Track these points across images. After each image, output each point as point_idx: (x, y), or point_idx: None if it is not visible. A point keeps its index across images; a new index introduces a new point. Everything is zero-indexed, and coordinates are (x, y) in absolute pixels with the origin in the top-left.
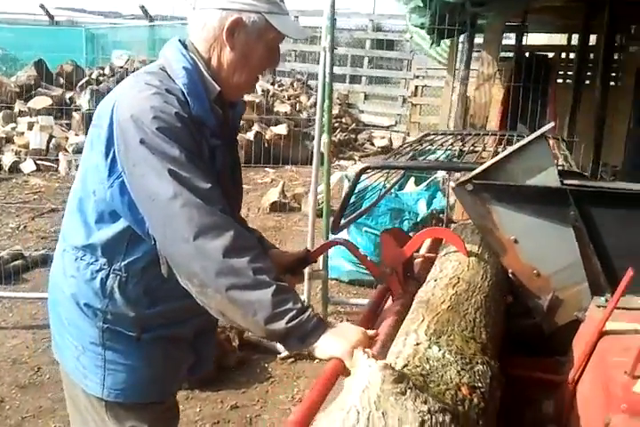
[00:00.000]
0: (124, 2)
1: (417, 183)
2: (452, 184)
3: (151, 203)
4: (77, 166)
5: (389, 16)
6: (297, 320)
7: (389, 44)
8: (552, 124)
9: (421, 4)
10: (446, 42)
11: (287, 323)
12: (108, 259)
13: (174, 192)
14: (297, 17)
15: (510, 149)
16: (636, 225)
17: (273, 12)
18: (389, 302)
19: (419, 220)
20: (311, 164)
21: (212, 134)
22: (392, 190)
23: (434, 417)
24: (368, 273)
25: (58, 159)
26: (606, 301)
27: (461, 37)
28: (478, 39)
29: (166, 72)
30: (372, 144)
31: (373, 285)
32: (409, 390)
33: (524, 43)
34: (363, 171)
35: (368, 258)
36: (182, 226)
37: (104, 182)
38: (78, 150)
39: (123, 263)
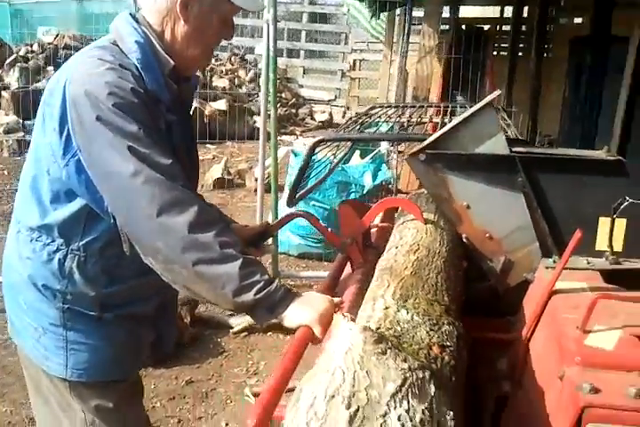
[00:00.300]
0: None
1: (362, 156)
2: (405, 156)
3: (110, 181)
4: (9, 147)
5: None
6: (265, 291)
7: (326, 18)
8: (498, 91)
9: None
10: (382, 16)
11: (255, 294)
12: (66, 239)
13: (135, 169)
14: None
15: (459, 117)
16: (580, 189)
17: None
18: (347, 270)
19: (365, 192)
20: (252, 139)
21: (167, 109)
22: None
23: (414, 374)
24: (316, 246)
25: None
26: (554, 262)
27: (398, 11)
28: (415, 12)
29: (118, 46)
30: (313, 119)
31: (322, 257)
32: (389, 350)
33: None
34: (317, 144)
35: (328, 229)
36: (145, 203)
37: (59, 161)
38: (9, 130)
39: (81, 243)
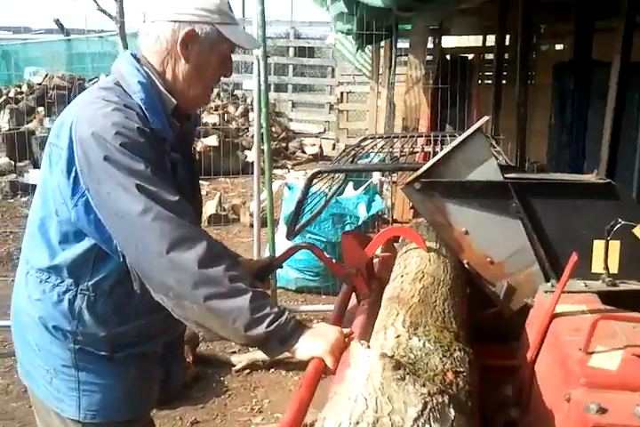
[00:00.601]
0: (32, 16)
1: (355, 188)
2: (400, 185)
3: (119, 219)
4: (1, 189)
5: (310, 23)
6: (276, 324)
7: (312, 52)
8: (486, 117)
9: (346, 11)
10: (367, 49)
11: (267, 327)
12: (75, 279)
13: (144, 207)
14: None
15: (450, 145)
16: (573, 213)
17: (224, 23)
18: (352, 301)
19: (360, 223)
20: (244, 174)
21: (171, 148)
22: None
23: (434, 398)
24: (314, 280)
25: None
26: (552, 286)
27: (382, 43)
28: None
29: (121, 87)
30: (304, 152)
31: (320, 291)
32: (407, 376)
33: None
34: (314, 175)
35: (333, 260)
36: (155, 240)
37: (67, 202)
38: (1, 173)
39: (90, 283)
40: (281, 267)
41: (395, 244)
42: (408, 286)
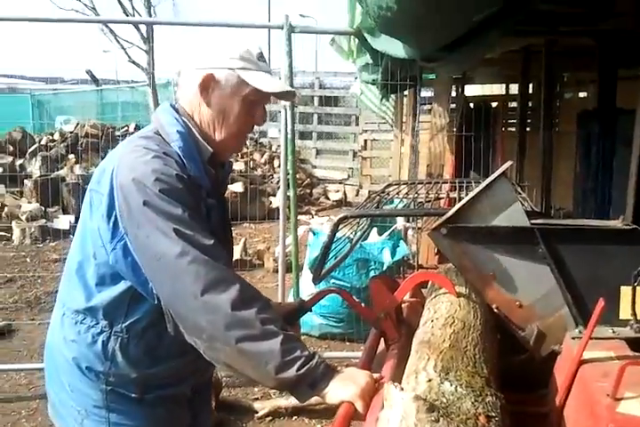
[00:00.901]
0: (64, 67)
1: (380, 233)
2: (427, 231)
3: (157, 262)
4: (31, 234)
5: (335, 73)
6: (307, 367)
7: (335, 100)
8: (510, 162)
9: (371, 62)
10: (389, 99)
11: (297, 370)
12: (109, 321)
13: (182, 250)
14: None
15: (476, 189)
16: (599, 259)
17: (245, 68)
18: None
19: (384, 268)
20: (269, 219)
21: (207, 195)
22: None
23: None
24: (338, 326)
25: (11, 228)
26: (580, 332)
27: (405, 92)
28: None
29: (161, 136)
30: (327, 198)
31: (344, 337)
32: (441, 418)
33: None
34: (341, 220)
35: (362, 304)
36: (190, 282)
37: (106, 245)
38: (32, 218)
39: (124, 325)
40: (310, 311)
41: (422, 289)
42: (438, 331)
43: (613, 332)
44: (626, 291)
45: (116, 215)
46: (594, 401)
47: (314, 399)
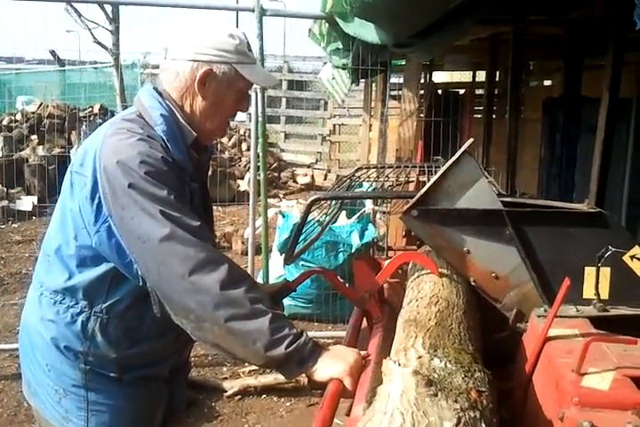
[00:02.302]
0: (26, 47)
1: (348, 216)
2: (398, 214)
3: (142, 244)
4: None
5: (303, 58)
6: (295, 345)
7: (304, 85)
8: (471, 139)
9: (341, 47)
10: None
11: (286, 348)
12: (89, 301)
13: (170, 231)
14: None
15: (442, 169)
16: (565, 241)
17: (242, 62)
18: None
19: (353, 251)
20: (236, 202)
21: (190, 179)
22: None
23: (466, 414)
24: (306, 306)
25: None
26: (545, 311)
27: (375, 78)
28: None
29: (144, 119)
30: (295, 182)
31: (313, 318)
32: (439, 392)
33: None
34: (313, 202)
35: (346, 285)
36: (177, 263)
37: (88, 228)
38: None
39: (104, 305)
40: (295, 291)
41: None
42: (424, 309)
43: (577, 310)
44: (590, 271)
45: (99, 197)
46: (559, 376)
47: (282, 378)
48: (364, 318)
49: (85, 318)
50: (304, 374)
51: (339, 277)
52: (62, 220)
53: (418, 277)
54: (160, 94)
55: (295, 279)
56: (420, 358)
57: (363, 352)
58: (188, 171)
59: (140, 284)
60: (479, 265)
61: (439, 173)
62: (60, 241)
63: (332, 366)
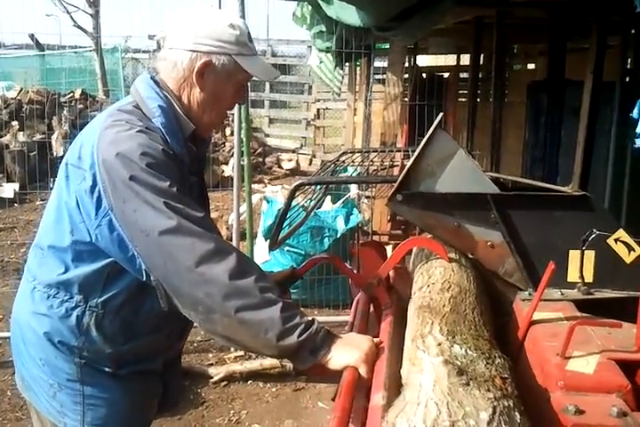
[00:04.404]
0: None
1: (333, 201)
2: (385, 201)
3: (145, 237)
4: None
5: (287, 41)
6: (307, 333)
7: (288, 69)
8: (441, 113)
9: (324, 30)
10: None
11: (299, 337)
12: (85, 296)
13: (175, 223)
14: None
15: (417, 149)
16: (549, 224)
17: (242, 54)
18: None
19: (338, 236)
20: (220, 188)
21: (189, 171)
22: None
23: (500, 403)
24: (292, 292)
25: None
26: (530, 294)
27: (359, 61)
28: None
29: (141, 110)
30: (280, 167)
31: (298, 303)
32: (471, 381)
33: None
34: (298, 187)
35: (354, 271)
36: (185, 255)
37: (88, 222)
38: None
39: (99, 300)
40: (302, 278)
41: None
42: (437, 295)
43: (562, 294)
44: (574, 255)
45: (99, 191)
46: (544, 360)
47: (269, 363)
48: (372, 305)
49: (80, 312)
50: (319, 362)
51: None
52: (58, 213)
53: (427, 262)
54: (157, 84)
55: (302, 266)
56: (439, 345)
57: (376, 339)
58: (187, 163)
59: (144, 278)
60: (473, 237)
61: (415, 154)
62: (55, 235)
63: (347, 353)
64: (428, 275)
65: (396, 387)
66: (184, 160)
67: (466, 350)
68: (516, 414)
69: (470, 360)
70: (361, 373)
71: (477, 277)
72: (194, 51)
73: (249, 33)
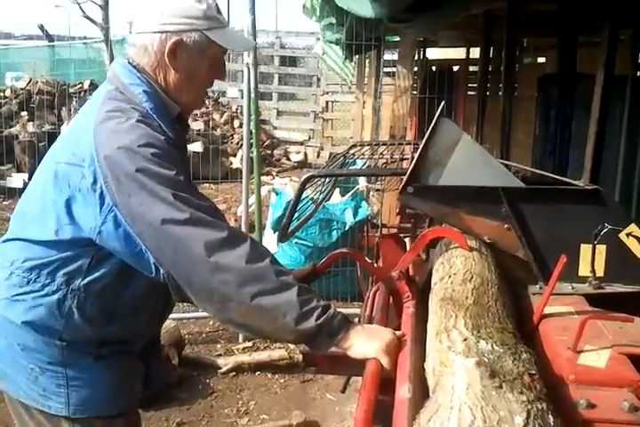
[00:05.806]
0: (14, 22)
1: (342, 194)
2: (397, 195)
3: (154, 230)
4: None
5: (296, 33)
6: (325, 316)
7: (296, 61)
8: (443, 102)
9: (334, 22)
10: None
11: (317, 320)
12: (67, 279)
13: (188, 214)
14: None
15: (423, 140)
16: (561, 218)
17: (212, 28)
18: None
19: (347, 228)
20: (229, 180)
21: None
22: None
23: (534, 406)
24: None
25: None
26: (541, 288)
27: (368, 54)
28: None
29: (124, 95)
30: (288, 159)
31: None
32: (504, 384)
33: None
34: (308, 180)
35: (374, 264)
36: (198, 246)
37: (95, 219)
38: None
39: (82, 283)
40: (324, 274)
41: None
42: (459, 286)
43: (573, 288)
44: (586, 249)
45: (101, 187)
46: (555, 354)
47: (277, 354)
48: (392, 298)
49: (62, 295)
50: (338, 348)
51: (366, 258)
52: (43, 210)
53: (447, 251)
54: (135, 68)
55: (323, 262)
56: (465, 340)
57: (398, 332)
58: (178, 148)
59: (152, 274)
60: (488, 221)
61: (422, 144)
62: (38, 229)
63: (369, 343)
64: (449, 265)
65: (419, 381)
66: (180, 145)
67: (492, 346)
68: (550, 416)
69: (497, 357)
70: (383, 364)
71: (498, 267)
72: (162, 31)
73: (217, 5)
